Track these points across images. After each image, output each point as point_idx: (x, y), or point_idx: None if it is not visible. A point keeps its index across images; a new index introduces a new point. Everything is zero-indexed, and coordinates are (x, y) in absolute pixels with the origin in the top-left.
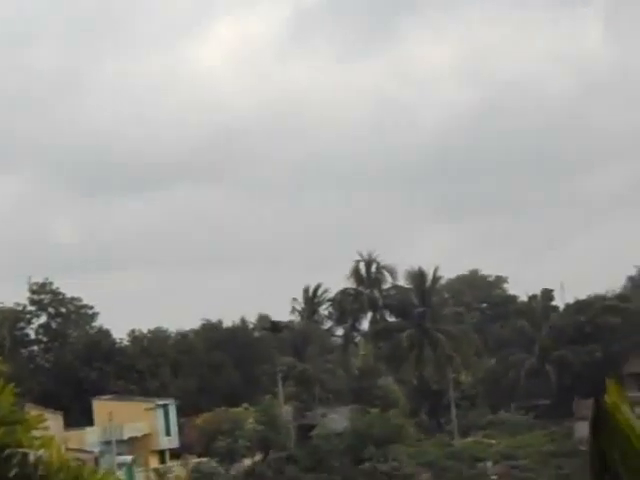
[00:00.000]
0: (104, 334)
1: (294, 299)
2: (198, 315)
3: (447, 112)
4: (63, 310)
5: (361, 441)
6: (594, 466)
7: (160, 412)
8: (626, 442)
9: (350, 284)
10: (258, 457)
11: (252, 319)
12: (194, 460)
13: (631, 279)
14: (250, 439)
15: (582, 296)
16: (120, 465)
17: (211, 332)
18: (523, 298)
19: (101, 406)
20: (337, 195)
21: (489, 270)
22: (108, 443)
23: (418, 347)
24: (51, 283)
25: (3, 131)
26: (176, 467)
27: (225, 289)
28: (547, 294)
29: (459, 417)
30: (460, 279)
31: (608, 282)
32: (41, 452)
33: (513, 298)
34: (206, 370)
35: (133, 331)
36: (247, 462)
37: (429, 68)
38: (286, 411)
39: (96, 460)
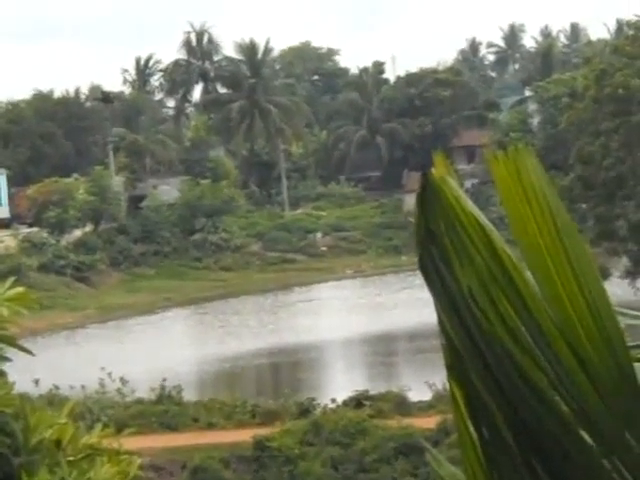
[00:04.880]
0: None
1: (125, 70)
2: (29, 85)
3: None
4: None
5: (192, 212)
6: (420, 237)
7: None
8: (451, 213)
9: (182, 55)
10: (89, 228)
11: (84, 90)
12: (24, 230)
13: (462, 52)
14: (81, 210)
15: (413, 69)
16: None
17: (42, 102)
18: (354, 70)
19: None
20: None
21: (321, 42)
22: None
23: (249, 118)
24: None
25: None
26: (6, 237)
27: (57, 60)
28: (378, 67)
29: (290, 189)
30: (292, 51)
31: (440, 55)
32: None
33: (344, 70)
34: (37, 140)
35: None
36: (77, 233)
37: None
38: (117, 182)
39: None
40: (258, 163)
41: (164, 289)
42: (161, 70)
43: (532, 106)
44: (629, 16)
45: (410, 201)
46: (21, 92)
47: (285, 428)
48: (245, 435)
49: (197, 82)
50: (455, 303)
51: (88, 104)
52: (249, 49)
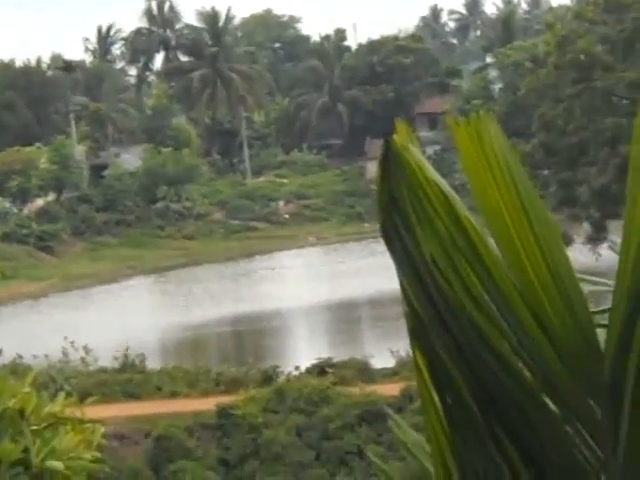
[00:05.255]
0: None
1: (86, 39)
2: None
3: None
4: None
5: (154, 181)
6: (382, 204)
7: None
8: (414, 180)
9: (143, 24)
10: (51, 197)
11: (46, 59)
12: None
13: (424, 19)
14: (43, 179)
15: (375, 37)
16: None
17: (3, 71)
18: (316, 38)
19: None
20: None
21: (283, 10)
22: None
23: (211, 86)
24: None
25: None
26: None
27: (18, 29)
28: (340, 34)
29: (252, 157)
30: (253, 18)
31: (401, 23)
32: None
33: (306, 38)
34: None
35: None
36: (40, 202)
37: None
38: (79, 151)
39: None
40: (220, 131)
41: (127, 258)
42: (122, 38)
43: (493, 73)
44: None
45: (372, 168)
46: None
47: (249, 396)
48: (209, 403)
49: (158, 50)
50: (417, 270)
51: (50, 73)
52: (210, 17)
